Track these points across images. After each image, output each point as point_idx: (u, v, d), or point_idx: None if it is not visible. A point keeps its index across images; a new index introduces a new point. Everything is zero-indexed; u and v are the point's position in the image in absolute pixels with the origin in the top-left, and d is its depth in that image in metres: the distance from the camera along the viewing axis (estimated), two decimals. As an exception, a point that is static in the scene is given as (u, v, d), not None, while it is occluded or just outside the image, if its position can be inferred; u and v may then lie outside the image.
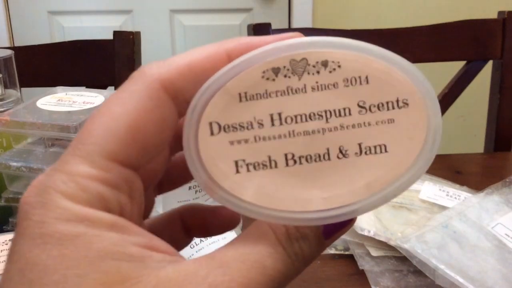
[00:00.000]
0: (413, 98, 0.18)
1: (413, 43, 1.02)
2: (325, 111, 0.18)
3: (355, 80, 0.18)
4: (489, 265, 0.49)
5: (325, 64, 0.18)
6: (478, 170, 0.82)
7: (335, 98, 0.18)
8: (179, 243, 0.25)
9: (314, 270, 0.53)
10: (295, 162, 0.18)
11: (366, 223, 0.55)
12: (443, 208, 0.60)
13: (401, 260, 0.52)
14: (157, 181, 0.20)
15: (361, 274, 0.51)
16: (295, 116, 0.18)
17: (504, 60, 1.00)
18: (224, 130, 0.18)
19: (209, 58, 0.18)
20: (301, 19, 1.82)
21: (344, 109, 0.18)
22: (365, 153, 0.18)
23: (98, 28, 1.83)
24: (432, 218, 0.56)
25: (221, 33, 1.86)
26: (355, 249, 0.54)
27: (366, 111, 0.18)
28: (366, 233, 0.54)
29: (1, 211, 0.57)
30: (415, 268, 0.50)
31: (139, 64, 1.02)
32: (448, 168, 0.78)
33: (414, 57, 1.03)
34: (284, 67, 0.18)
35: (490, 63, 1.03)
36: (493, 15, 1.04)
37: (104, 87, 0.96)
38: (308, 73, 0.18)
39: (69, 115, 0.55)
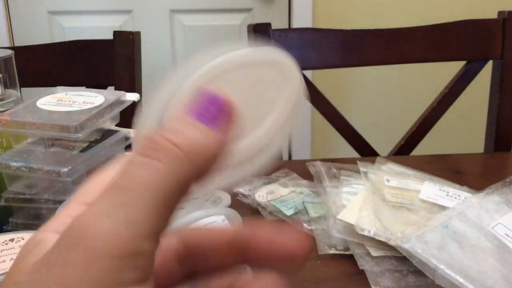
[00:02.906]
0: None
1: (413, 43, 1.02)
2: None
3: None
4: (489, 265, 0.49)
5: None
6: (478, 170, 0.82)
7: None
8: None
9: (314, 270, 0.53)
10: None
11: (366, 223, 0.55)
12: (443, 208, 0.60)
13: (401, 260, 0.52)
14: None
15: (361, 274, 0.51)
16: None
17: (504, 60, 1.00)
18: None
19: None
20: (301, 19, 1.82)
21: None
22: None
23: (98, 28, 1.83)
24: (432, 218, 0.56)
25: (221, 33, 1.86)
26: (355, 249, 0.54)
27: None
28: (366, 233, 0.54)
29: (1, 211, 0.57)
30: (415, 268, 0.50)
31: (139, 64, 1.02)
32: (448, 168, 0.78)
33: (414, 57, 1.03)
34: None
35: (490, 63, 1.03)
36: (493, 15, 1.04)
37: (104, 87, 0.96)
38: None
39: (69, 115, 0.55)
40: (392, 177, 0.66)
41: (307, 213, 0.62)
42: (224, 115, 0.19)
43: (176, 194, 0.18)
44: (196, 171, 0.18)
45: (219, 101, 0.19)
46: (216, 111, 0.19)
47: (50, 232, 0.20)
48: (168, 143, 0.18)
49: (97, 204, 0.17)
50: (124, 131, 0.62)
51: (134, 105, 0.62)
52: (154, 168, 0.17)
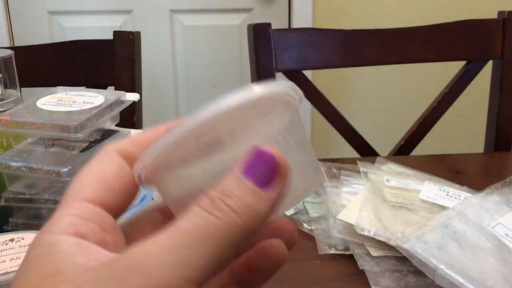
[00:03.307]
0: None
1: (413, 43, 1.02)
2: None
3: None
4: (489, 265, 0.49)
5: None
6: (478, 170, 0.82)
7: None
8: None
9: (314, 270, 0.53)
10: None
11: (366, 223, 0.55)
12: (443, 208, 0.60)
13: (401, 260, 0.52)
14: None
15: (361, 274, 0.51)
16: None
17: (504, 60, 1.00)
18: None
19: (152, 132, 0.25)
20: (301, 19, 1.82)
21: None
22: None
23: (98, 28, 1.83)
24: (432, 218, 0.56)
25: (221, 33, 1.86)
26: (355, 249, 0.54)
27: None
28: (366, 233, 0.54)
29: (1, 211, 0.57)
30: (415, 268, 0.50)
31: (139, 64, 1.02)
32: (448, 168, 0.78)
33: (414, 57, 1.03)
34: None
35: (490, 63, 1.03)
36: (493, 15, 1.04)
37: (104, 87, 0.96)
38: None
39: (69, 115, 0.55)
40: (392, 177, 0.66)
41: (307, 213, 0.62)
42: (278, 177, 0.20)
43: (227, 250, 0.19)
44: (248, 232, 0.20)
45: (274, 161, 0.20)
46: (270, 173, 0.20)
47: (60, 234, 0.21)
48: (227, 208, 0.19)
49: (161, 239, 0.19)
50: (124, 131, 0.62)
51: (134, 105, 0.62)
52: (215, 224, 0.19)
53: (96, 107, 0.57)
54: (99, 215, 0.22)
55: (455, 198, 0.62)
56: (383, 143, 1.22)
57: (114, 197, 0.23)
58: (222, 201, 0.19)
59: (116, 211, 0.24)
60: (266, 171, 0.20)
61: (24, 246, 0.43)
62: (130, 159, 0.24)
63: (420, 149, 1.03)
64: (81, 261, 0.19)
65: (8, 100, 0.61)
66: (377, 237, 0.54)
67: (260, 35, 0.98)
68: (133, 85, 0.99)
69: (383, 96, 1.93)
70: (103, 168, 0.24)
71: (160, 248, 0.18)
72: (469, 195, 0.62)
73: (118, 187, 0.24)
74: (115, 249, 0.22)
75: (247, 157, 0.20)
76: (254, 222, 0.20)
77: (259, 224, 0.20)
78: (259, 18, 1.85)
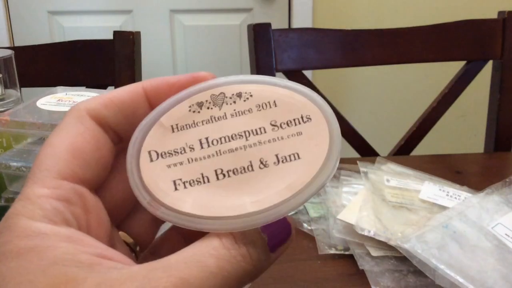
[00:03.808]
0: (314, 114, 0.22)
1: (413, 43, 1.02)
2: (244, 132, 0.21)
3: (266, 105, 0.22)
4: (489, 265, 0.49)
5: (239, 95, 0.22)
6: (478, 170, 0.82)
7: (251, 120, 0.22)
8: None
9: (314, 270, 0.53)
10: (224, 176, 0.21)
11: (366, 223, 0.55)
12: (443, 208, 0.60)
13: (401, 260, 0.52)
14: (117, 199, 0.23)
15: (361, 274, 0.51)
16: (220, 138, 0.21)
17: (504, 60, 1.00)
18: (162, 156, 0.21)
19: (127, 92, 0.23)
20: (301, 19, 1.82)
21: (260, 128, 0.21)
22: (282, 161, 0.21)
23: (98, 28, 1.83)
24: (432, 218, 0.56)
25: (221, 33, 1.86)
26: (355, 249, 0.54)
27: (278, 128, 0.21)
28: (366, 233, 0.54)
29: (1, 211, 0.57)
30: (415, 268, 0.50)
31: (139, 64, 1.02)
32: (448, 168, 0.78)
33: (414, 57, 1.03)
34: (206, 101, 0.22)
35: (490, 63, 1.03)
36: (493, 15, 1.04)
37: (104, 87, 0.96)
38: (227, 104, 0.22)
39: (69, 115, 0.55)
40: (392, 177, 0.66)
41: (307, 213, 0.62)
42: (287, 244, 0.21)
43: (227, 282, 0.19)
44: (252, 279, 0.20)
45: (290, 232, 0.21)
46: (283, 239, 0.21)
47: (44, 222, 0.19)
48: (248, 256, 0.20)
49: (187, 269, 0.18)
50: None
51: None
52: (234, 267, 0.19)
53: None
54: (80, 195, 0.20)
55: (455, 198, 0.62)
56: (383, 143, 1.22)
57: (91, 171, 0.21)
58: (245, 246, 0.20)
59: (93, 186, 0.21)
60: (282, 236, 0.21)
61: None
62: (102, 123, 0.22)
63: (420, 149, 1.03)
64: (85, 259, 0.18)
65: (8, 100, 0.61)
66: (377, 237, 0.54)
67: (260, 35, 0.98)
68: (133, 85, 0.99)
69: (383, 96, 1.92)
70: (76, 137, 0.21)
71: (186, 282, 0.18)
72: (469, 195, 0.62)
73: (94, 160, 0.21)
74: (99, 231, 0.21)
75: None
76: (259, 273, 0.20)
77: (260, 274, 0.21)
78: (259, 18, 1.85)
